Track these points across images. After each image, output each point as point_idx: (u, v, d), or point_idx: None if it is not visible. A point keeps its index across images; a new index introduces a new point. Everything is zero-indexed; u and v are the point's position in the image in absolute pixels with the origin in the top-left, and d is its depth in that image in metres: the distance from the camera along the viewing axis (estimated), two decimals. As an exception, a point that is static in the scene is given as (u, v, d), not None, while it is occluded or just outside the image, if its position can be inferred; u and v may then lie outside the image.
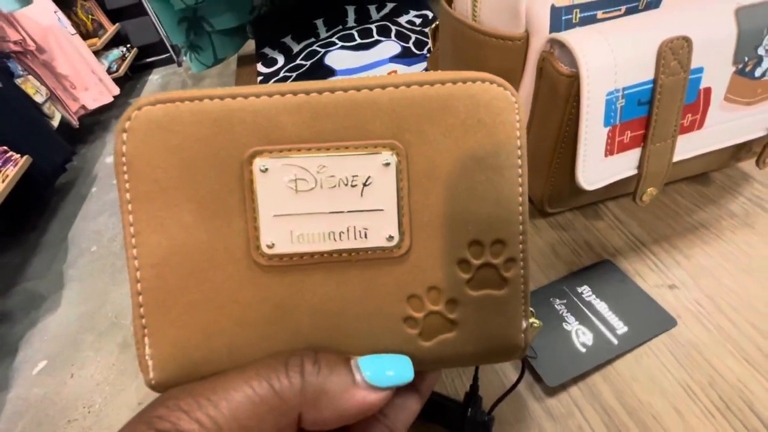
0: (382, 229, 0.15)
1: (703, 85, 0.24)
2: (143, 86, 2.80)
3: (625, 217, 0.33)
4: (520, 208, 0.15)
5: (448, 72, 0.15)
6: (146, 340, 0.15)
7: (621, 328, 0.25)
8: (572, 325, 0.26)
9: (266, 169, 0.15)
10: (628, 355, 0.25)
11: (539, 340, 0.25)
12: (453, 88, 0.15)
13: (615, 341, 0.25)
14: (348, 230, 0.15)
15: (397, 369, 0.15)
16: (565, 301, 0.27)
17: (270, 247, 0.15)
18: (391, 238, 0.15)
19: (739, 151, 0.30)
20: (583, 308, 0.27)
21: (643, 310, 0.26)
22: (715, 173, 0.34)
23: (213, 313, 0.15)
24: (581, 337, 0.25)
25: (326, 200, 0.15)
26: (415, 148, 0.15)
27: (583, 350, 0.25)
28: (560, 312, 0.27)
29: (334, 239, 0.15)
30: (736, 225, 0.30)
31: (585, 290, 0.28)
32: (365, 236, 0.15)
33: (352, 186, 0.15)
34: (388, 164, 0.15)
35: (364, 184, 0.15)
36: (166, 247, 0.15)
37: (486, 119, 0.15)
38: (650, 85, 0.23)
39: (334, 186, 0.15)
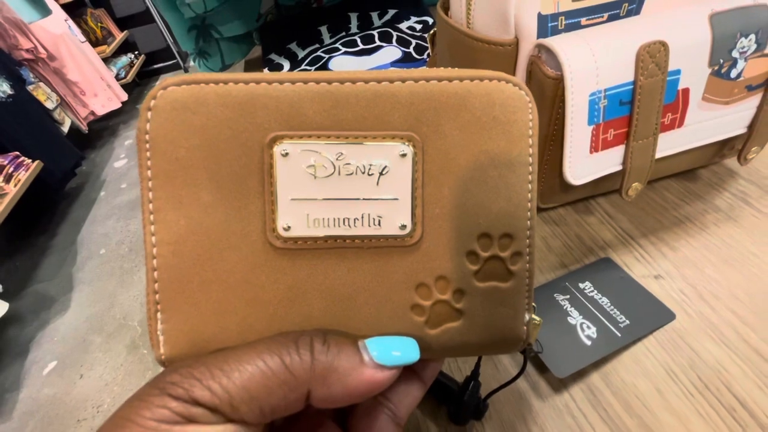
0: (395, 218, 0.16)
1: (681, 86, 0.26)
2: (150, 92, 2.84)
3: (615, 212, 0.34)
4: (529, 204, 0.16)
5: (466, 69, 0.15)
6: (159, 315, 0.15)
7: (623, 321, 0.26)
8: (576, 319, 0.27)
9: (286, 154, 0.15)
10: (614, 340, 0.26)
11: (545, 333, 0.26)
12: (470, 85, 0.15)
13: (619, 334, 0.26)
14: (362, 217, 0.15)
15: (403, 349, 0.15)
16: (568, 296, 0.28)
17: (286, 229, 0.15)
18: (403, 227, 0.16)
19: (722, 148, 0.32)
20: (586, 303, 0.28)
21: (643, 305, 0.27)
22: (702, 170, 0.36)
23: (226, 292, 0.15)
24: (586, 330, 0.26)
25: (343, 187, 0.15)
26: (432, 141, 0.15)
27: (589, 343, 0.26)
28: (564, 307, 0.28)
29: (349, 225, 0.15)
30: (721, 219, 0.32)
31: (587, 286, 0.29)
32: (379, 224, 0.16)
33: (369, 174, 0.15)
34: (404, 155, 0.15)
35: (381, 174, 0.15)
36: (184, 226, 0.15)
37: (501, 117, 0.15)
38: (631, 86, 0.25)
39: (351, 173, 0.15)
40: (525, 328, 0.17)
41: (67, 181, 1.97)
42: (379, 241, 0.16)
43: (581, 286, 0.29)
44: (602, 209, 0.35)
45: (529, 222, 0.16)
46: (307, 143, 0.15)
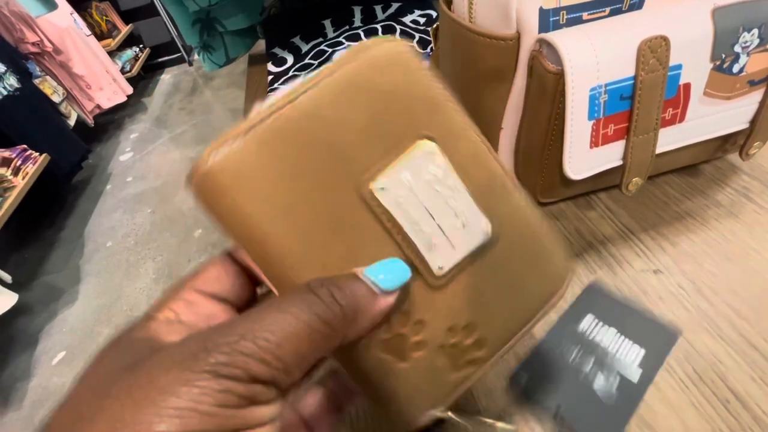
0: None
1: (682, 81, 0.26)
2: (155, 85, 2.85)
3: (616, 207, 0.34)
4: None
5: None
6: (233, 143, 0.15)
7: (637, 353, 0.25)
8: (590, 372, 0.24)
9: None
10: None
11: (566, 402, 0.24)
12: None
13: (636, 377, 0.24)
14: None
15: (400, 270, 0.16)
16: (578, 346, 0.26)
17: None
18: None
19: (724, 143, 0.32)
20: (594, 347, 0.25)
21: (647, 327, 0.26)
22: (705, 165, 0.36)
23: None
24: (603, 384, 0.24)
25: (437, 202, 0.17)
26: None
27: (612, 403, 0.23)
28: (573, 361, 0.25)
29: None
30: (722, 214, 0.32)
31: (588, 323, 0.27)
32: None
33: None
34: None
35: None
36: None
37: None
38: (631, 81, 0.25)
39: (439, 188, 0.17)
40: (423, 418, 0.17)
41: (74, 174, 1.99)
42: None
43: (582, 327, 0.26)
44: (603, 204, 0.35)
45: None
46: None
